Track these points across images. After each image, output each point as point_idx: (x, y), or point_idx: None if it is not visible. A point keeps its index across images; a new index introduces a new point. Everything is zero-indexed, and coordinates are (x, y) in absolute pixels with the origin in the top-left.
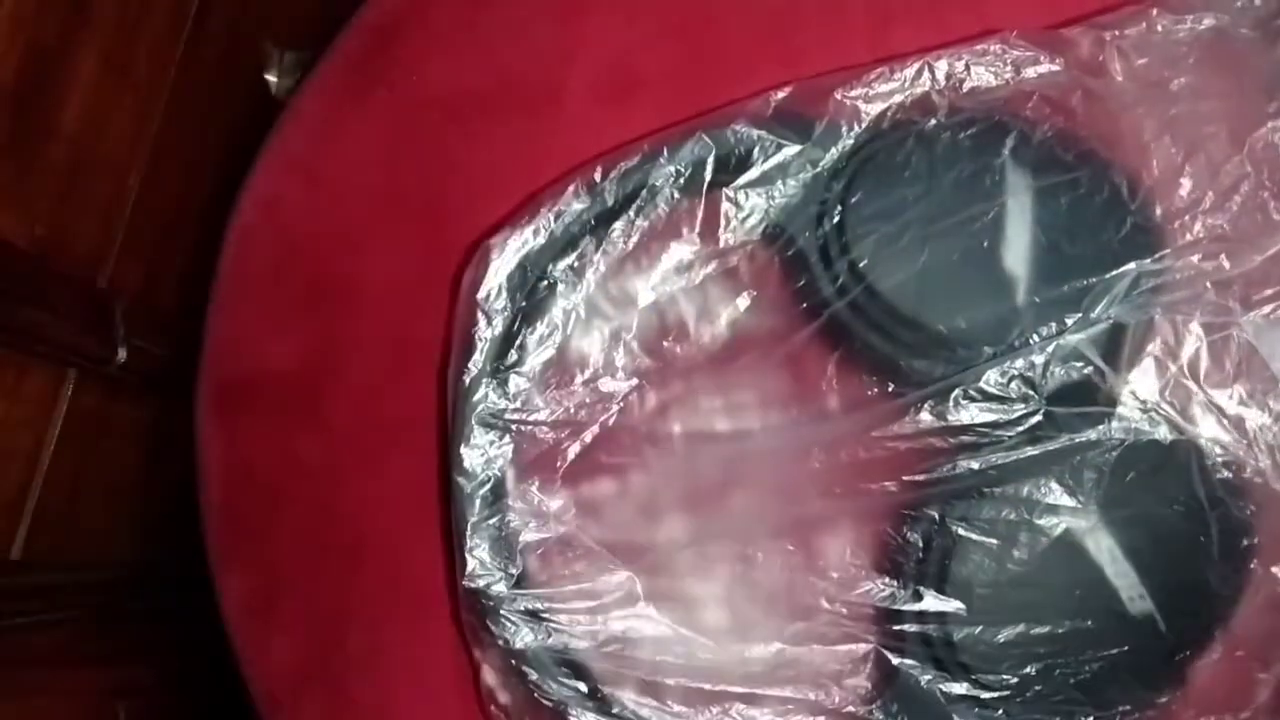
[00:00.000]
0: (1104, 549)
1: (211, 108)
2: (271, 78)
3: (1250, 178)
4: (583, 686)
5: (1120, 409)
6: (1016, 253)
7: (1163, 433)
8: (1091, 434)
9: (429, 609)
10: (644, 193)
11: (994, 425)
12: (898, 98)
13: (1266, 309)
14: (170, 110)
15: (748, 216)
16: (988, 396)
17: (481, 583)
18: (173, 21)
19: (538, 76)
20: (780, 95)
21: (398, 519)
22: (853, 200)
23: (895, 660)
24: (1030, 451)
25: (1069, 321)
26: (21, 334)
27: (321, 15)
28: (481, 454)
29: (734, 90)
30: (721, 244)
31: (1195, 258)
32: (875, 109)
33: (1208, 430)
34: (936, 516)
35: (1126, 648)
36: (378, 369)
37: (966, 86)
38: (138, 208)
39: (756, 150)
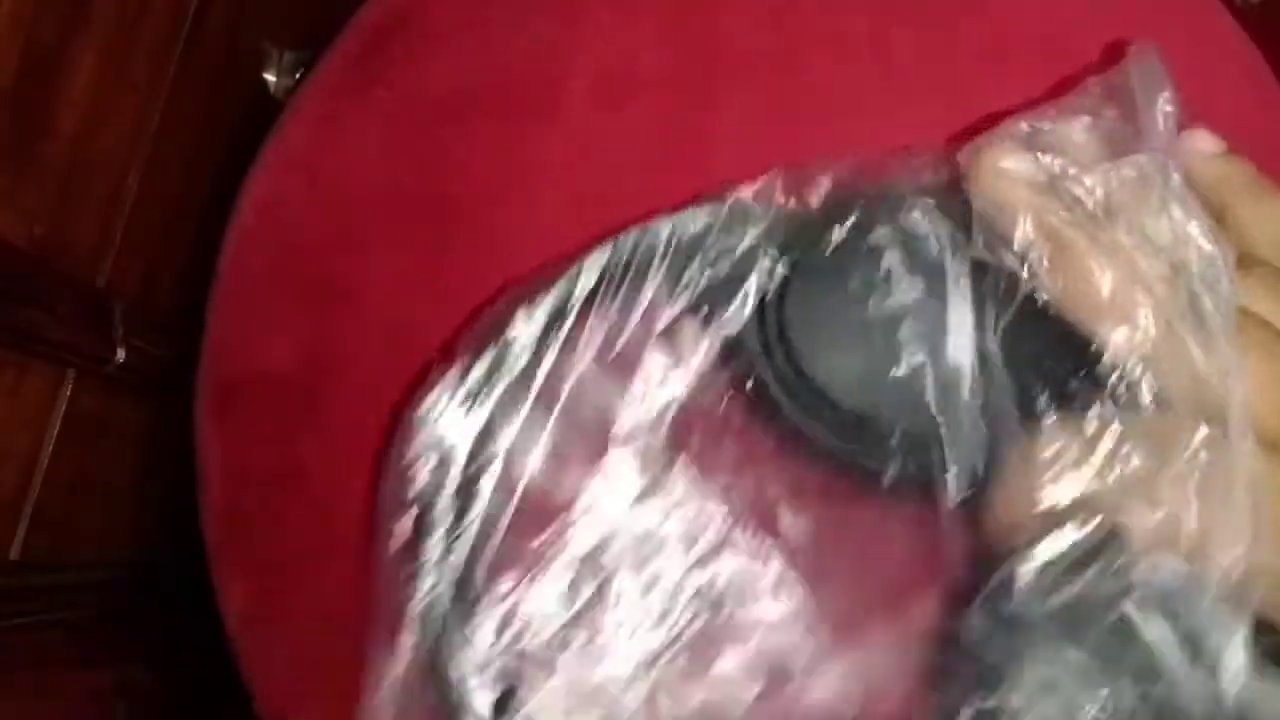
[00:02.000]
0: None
1: (211, 107)
2: (271, 77)
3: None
4: None
5: None
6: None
7: None
8: None
9: None
10: (569, 321)
11: None
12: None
13: None
14: (169, 110)
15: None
16: None
17: None
18: (172, 21)
19: (539, 77)
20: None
21: None
22: (799, 293)
23: None
24: None
25: None
26: (20, 334)
27: (321, 15)
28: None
29: (734, 91)
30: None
31: None
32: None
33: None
34: None
35: None
36: (378, 369)
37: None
38: (137, 207)
39: (704, 242)
